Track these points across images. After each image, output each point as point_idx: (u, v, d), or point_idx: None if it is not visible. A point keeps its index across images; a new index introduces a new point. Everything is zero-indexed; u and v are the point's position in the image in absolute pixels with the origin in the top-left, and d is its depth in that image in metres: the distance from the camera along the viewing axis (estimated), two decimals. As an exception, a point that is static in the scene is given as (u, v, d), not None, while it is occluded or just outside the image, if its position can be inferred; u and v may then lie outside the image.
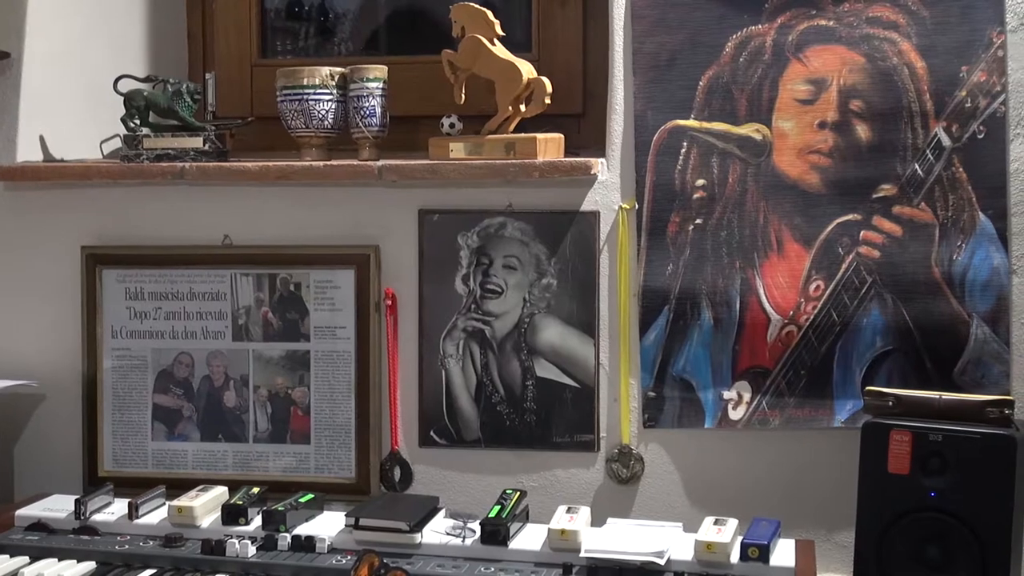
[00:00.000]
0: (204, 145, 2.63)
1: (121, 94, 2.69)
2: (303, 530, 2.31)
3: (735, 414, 2.49)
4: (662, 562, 2.12)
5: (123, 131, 2.68)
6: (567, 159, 2.48)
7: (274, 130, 2.70)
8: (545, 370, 2.55)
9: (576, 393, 2.54)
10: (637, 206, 2.48)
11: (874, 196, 2.40)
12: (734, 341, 2.47)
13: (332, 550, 2.26)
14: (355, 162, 2.55)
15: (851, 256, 2.41)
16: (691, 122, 2.46)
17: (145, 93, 2.69)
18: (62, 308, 2.71)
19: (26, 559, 2.28)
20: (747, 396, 2.47)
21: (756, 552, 2.14)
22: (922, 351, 2.41)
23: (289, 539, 2.28)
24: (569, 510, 2.29)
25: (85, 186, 2.68)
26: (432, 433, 2.61)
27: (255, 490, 2.42)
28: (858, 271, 2.41)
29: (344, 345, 2.61)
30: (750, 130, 2.44)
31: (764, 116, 2.43)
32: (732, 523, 2.21)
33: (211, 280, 2.64)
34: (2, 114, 2.68)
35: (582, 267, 2.52)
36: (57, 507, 2.45)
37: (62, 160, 2.76)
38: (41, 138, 2.75)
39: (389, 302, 2.59)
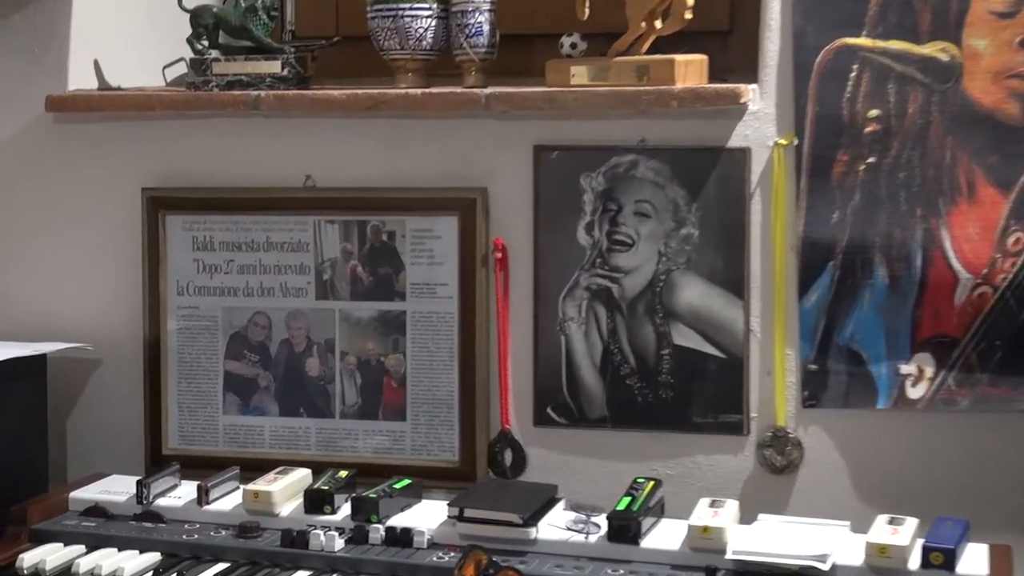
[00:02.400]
0: (282, 70, 2.63)
1: (187, 11, 2.68)
2: (398, 521, 2.30)
3: (914, 392, 2.42)
4: (825, 567, 2.06)
5: (189, 54, 2.68)
6: (711, 85, 2.44)
7: (363, 52, 2.67)
8: (684, 337, 2.50)
9: (721, 365, 2.49)
10: (796, 142, 2.42)
11: (1089, 130, 2.34)
12: (914, 304, 2.40)
13: (432, 545, 2.25)
14: (459, 90, 2.53)
15: (1060, 203, 2.37)
16: (862, 40, 2.38)
17: (214, 10, 2.69)
18: (120, 260, 2.71)
19: (82, 548, 2.29)
20: (929, 371, 2.41)
21: (940, 558, 2.07)
22: None
23: (382, 531, 2.27)
24: (713, 504, 2.26)
25: (146, 118, 2.68)
26: (549, 410, 2.58)
27: (342, 474, 2.43)
28: (1068, 221, 2.36)
29: (446, 305, 2.58)
30: (935, 49, 2.36)
31: (952, 33, 2.35)
32: (911, 523, 2.15)
33: (291, 228, 2.63)
34: (51, 37, 2.69)
35: (729, 215, 2.46)
36: (116, 490, 2.47)
37: (119, 88, 2.76)
38: (96, 63, 2.74)
39: (499, 255, 2.56)
